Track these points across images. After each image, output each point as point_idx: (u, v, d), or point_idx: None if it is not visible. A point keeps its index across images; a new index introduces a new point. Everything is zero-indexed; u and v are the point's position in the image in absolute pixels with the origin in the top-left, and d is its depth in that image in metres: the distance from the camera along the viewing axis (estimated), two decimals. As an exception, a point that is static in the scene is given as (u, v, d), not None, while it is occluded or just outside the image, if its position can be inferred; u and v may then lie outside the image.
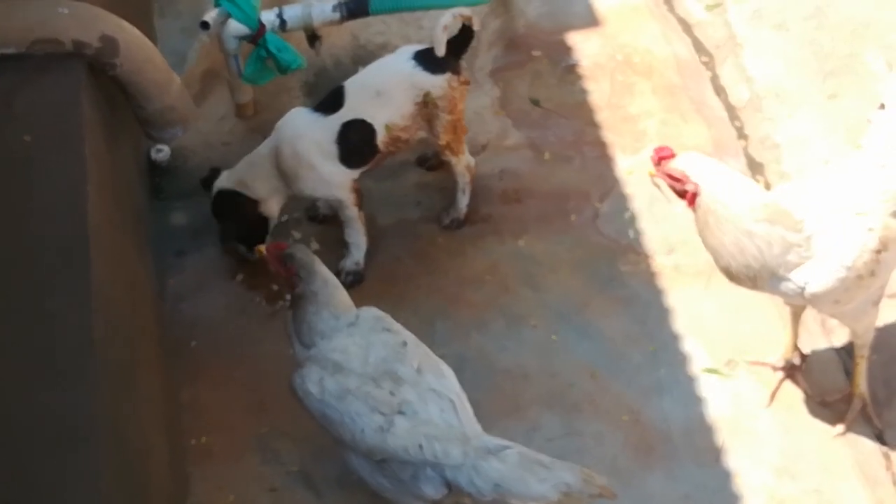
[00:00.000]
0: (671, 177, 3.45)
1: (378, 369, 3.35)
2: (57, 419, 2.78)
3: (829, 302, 3.51)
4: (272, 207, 4.38)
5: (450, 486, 3.28)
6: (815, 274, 3.40)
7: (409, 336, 3.48)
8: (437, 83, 4.26)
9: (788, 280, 3.43)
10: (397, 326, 3.50)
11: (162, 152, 4.81)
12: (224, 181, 4.36)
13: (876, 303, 3.64)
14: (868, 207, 3.45)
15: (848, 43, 5.16)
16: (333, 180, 4.28)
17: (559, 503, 3.15)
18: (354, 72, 4.50)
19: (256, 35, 4.67)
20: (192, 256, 4.53)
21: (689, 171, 3.42)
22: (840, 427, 3.83)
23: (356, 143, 4.25)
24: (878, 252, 3.43)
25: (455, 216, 4.55)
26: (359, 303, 3.59)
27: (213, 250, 4.53)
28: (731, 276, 3.50)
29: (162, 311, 4.28)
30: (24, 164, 3.30)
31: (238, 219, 4.32)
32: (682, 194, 3.47)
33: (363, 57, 4.64)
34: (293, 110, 4.34)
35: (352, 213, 4.35)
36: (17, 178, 3.28)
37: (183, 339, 4.24)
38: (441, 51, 4.23)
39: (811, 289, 3.41)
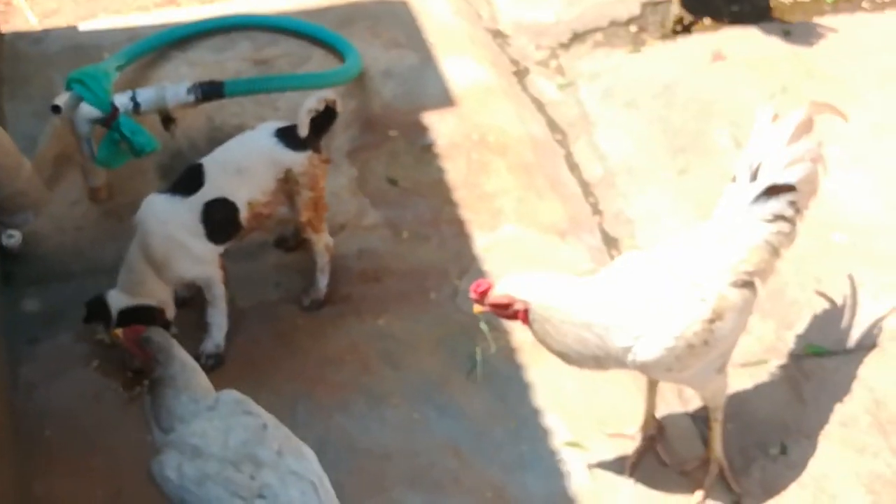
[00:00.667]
0: (497, 305, 3.50)
1: (238, 453, 3.30)
2: None
3: (661, 370, 3.57)
4: (171, 308, 4.30)
5: (313, 571, 3.22)
6: (645, 343, 3.46)
7: (269, 418, 3.43)
8: (299, 160, 4.27)
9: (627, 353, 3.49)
10: (257, 409, 3.45)
11: (13, 238, 4.69)
12: (118, 301, 4.19)
13: (720, 370, 3.70)
14: (701, 278, 3.53)
15: (696, 120, 5.32)
16: (205, 258, 4.26)
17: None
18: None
19: (109, 118, 4.62)
20: (45, 344, 4.42)
21: (511, 293, 3.48)
22: (699, 494, 3.88)
23: (220, 221, 4.23)
24: (712, 321, 3.49)
25: (315, 297, 4.53)
26: (219, 386, 3.54)
27: (67, 337, 4.43)
28: (579, 365, 3.58)
29: (13, 401, 4.17)
30: None
31: None
32: (513, 317, 3.53)
33: (219, 139, 4.63)
34: (149, 199, 4.25)
35: (219, 290, 4.32)
36: None
37: (36, 429, 4.12)
38: (304, 132, 4.25)
39: (640, 357, 3.47)
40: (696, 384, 3.76)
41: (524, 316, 3.48)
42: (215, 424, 3.37)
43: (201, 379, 3.51)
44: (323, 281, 4.53)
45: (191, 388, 3.45)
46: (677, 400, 4.18)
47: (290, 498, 3.23)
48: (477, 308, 3.54)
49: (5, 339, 4.32)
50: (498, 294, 3.48)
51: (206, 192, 4.21)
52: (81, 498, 3.91)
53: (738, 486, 3.90)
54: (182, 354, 3.50)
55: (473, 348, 4.33)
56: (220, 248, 4.29)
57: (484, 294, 3.50)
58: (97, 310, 4.20)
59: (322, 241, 4.48)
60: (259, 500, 3.22)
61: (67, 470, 3.99)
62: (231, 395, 3.47)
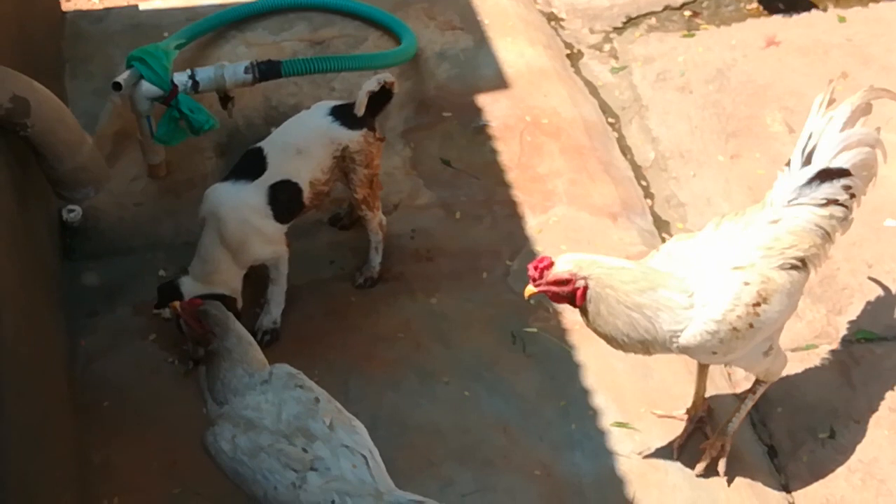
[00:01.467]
0: (557, 282, 3.45)
1: (290, 426, 3.35)
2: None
3: (705, 354, 3.57)
4: (240, 299, 4.38)
5: (362, 542, 3.26)
6: (689, 327, 3.46)
7: (321, 392, 3.48)
8: (355, 137, 4.34)
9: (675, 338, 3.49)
10: (310, 383, 3.50)
11: (74, 212, 4.79)
12: (192, 288, 4.23)
13: (767, 353, 3.69)
14: (747, 261, 3.53)
15: (748, 105, 5.32)
16: (275, 238, 4.35)
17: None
18: (267, 133, 4.54)
19: (169, 96, 4.69)
20: (104, 317, 4.49)
21: (574, 269, 3.44)
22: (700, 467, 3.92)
23: (286, 202, 4.32)
24: (757, 305, 3.48)
25: (368, 275, 4.59)
26: (273, 360, 3.59)
27: (126, 310, 4.51)
28: (625, 349, 3.57)
29: (73, 372, 4.25)
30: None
31: None
32: (568, 297, 3.47)
33: (276, 118, 4.68)
34: (213, 189, 4.33)
35: (285, 268, 4.41)
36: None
37: (95, 400, 4.19)
38: (361, 111, 4.32)
39: (682, 341, 3.48)
40: (744, 366, 3.77)
41: (582, 294, 3.44)
42: (268, 398, 3.42)
43: (256, 353, 3.55)
44: (376, 259, 4.58)
45: (245, 362, 3.49)
46: (726, 382, 4.20)
47: (342, 470, 3.27)
48: (529, 290, 3.52)
49: (65, 312, 4.40)
50: (560, 270, 3.45)
51: (270, 176, 4.29)
52: (138, 467, 3.98)
53: (723, 470, 3.91)
54: (238, 328, 3.55)
55: (524, 327, 4.37)
56: (286, 227, 4.38)
57: (545, 270, 3.45)
58: (170, 295, 4.21)
59: (376, 220, 4.53)
60: (311, 472, 3.27)
61: (124, 440, 4.07)
62: (284, 368, 3.52)
